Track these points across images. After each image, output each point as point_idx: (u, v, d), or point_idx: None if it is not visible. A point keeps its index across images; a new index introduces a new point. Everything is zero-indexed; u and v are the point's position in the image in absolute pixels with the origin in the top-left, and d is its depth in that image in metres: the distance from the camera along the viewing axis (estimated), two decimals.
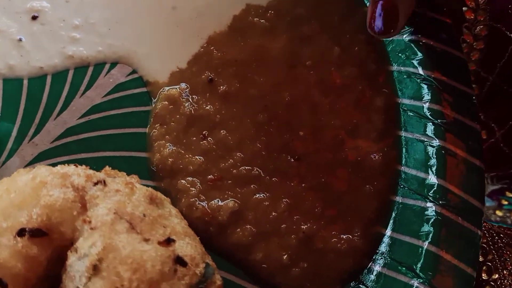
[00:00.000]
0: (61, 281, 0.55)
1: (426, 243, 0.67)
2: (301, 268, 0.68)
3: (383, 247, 0.70)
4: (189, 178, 0.71)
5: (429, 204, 0.69)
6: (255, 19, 0.78)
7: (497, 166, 0.81)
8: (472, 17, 0.79)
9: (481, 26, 0.79)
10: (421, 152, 0.72)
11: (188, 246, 0.56)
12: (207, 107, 0.74)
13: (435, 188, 0.70)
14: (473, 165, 0.70)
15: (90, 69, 0.75)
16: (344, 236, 0.70)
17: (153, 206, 0.58)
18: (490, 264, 0.75)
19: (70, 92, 0.74)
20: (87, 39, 0.76)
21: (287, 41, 0.77)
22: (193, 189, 0.70)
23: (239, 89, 0.75)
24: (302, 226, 0.69)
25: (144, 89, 0.75)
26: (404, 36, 0.76)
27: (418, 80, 0.75)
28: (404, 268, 0.67)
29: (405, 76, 0.76)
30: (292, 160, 0.72)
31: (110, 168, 0.62)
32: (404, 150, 0.74)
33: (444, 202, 0.69)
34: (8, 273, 0.52)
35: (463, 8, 0.80)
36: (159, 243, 0.53)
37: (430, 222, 0.68)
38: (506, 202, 0.81)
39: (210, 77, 0.75)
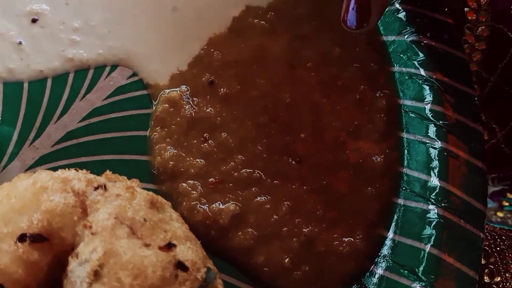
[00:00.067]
0: (62, 286, 0.54)
1: (428, 246, 0.67)
2: (302, 271, 0.68)
3: (385, 250, 0.70)
4: (190, 181, 0.70)
5: (431, 207, 0.69)
6: (255, 20, 0.78)
7: (498, 167, 0.81)
8: (474, 17, 0.79)
9: (483, 27, 0.79)
10: (423, 154, 0.72)
11: (189, 250, 0.55)
12: (207, 110, 0.73)
13: (437, 191, 0.70)
14: (475, 167, 0.70)
15: (91, 72, 0.75)
16: (345, 239, 0.70)
17: (154, 211, 0.57)
18: (492, 267, 0.74)
19: (71, 95, 0.74)
20: (87, 41, 0.76)
21: (287, 42, 0.77)
22: (194, 192, 0.70)
23: (240, 91, 0.75)
24: (304, 229, 0.69)
25: (144, 92, 0.75)
26: (406, 37, 0.76)
27: (420, 81, 0.74)
28: (406, 271, 0.67)
29: (406, 77, 0.76)
30: (293, 162, 0.72)
31: (111, 172, 0.62)
32: (406, 151, 0.74)
33: (446, 204, 0.69)
34: (9, 278, 0.52)
35: (465, 8, 0.80)
36: (160, 248, 0.53)
37: (432, 224, 0.68)
38: (507, 204, 0.81)
39: (210, 79, 0.75)
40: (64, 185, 0.56)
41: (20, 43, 0.74)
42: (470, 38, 0.80)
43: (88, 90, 0.74)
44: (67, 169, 0.59)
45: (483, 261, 0.75)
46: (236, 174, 0.71)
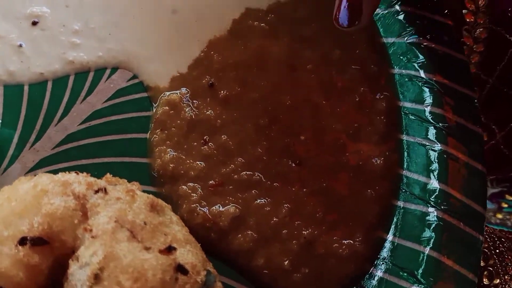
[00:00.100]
0: None
1: (428, 248, 0.67)
2: (302, 274, 0.68)
3: (384, 252, 0.70)
4: (190, 184, 0.71)
5: (430, 209, 0.69)
6: (255, 22, 0.78)
7: (497, 168, 0.81)
8: (472, 19, 0.79)
9: (481, 29, 0.79)
10: (423, 156, 0.72)
11: (189, 253, 0.56)
12: (207, 112, 0.74)
13: (436, 193, 0.70)
14: (475, 170, 0.70)
15: (91, 75, 0.75)
16: (345, 241, 0.70)
17: (154, 214, 0.57)
18: (491, 269, 0.75)
19: (71, 98, 0.74)
20: (87, 44, 0.76)
21: (287, 45, 0.77)
22: (194, 194, 0.70)
23: (240, 93, 0.75)
24: (304, 232, 0.69)
25: (144, 94, 0.75)
26: (406, 39, 0.76)
27: (420, 83, 0.74)
28: (405, 274, 0.67)
29: (406, 79, 0.76)
30: (293, 164, 0.72)
31: (111, 175, 0.62)
32: (405, 154, 0.74)
33: (445, 207, 0.69)
34: (9, 282, 0.52)
35: (463, 11, 0.80)
36: (160, 251, 0.53)
37: (432, 227, 0.68)
38: (506, 205, 0.81)
39: (210, 82, 0.75)
40: (64, 189, 0.56)
41: (20, 45, 0.74)
42: (468, 40, 0.80)
43: (89, 93, 0.74)
44: (67, 172, 0.59)
45: (482, 263, 0.76)
46: (236, 176, 0.71)
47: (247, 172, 0.71)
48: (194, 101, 0.74)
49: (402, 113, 0.75)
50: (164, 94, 0.75)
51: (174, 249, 0.54)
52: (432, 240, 0.68)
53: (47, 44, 0.75)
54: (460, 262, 0.66)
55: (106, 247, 0.52)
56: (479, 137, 0.71)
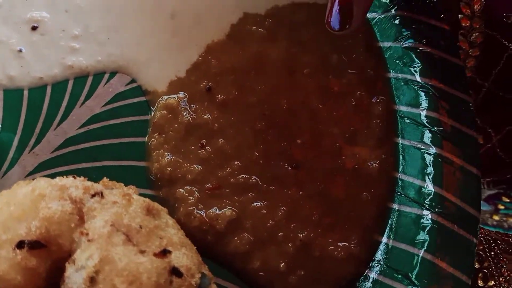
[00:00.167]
0: None
1: (422, 251, 0.68)
2: (298, 276, 0.69)
3: (379, 255, 0.71)
4: (188, 187, 0.71)
5: (425, 212, 0.70)
6: (253, 27, 0.78)
7: (493, 171, 0.81)
8: (467, 24, 0.80)
9: (477, 34, 0.80)
10: (418, 160, 0.73)
11: (184, 256, 0.56)
12: (205, 116, 0.74)
13: (431, 196, 0.70)
14: (469, 173, 0.71)
15: (90, 79, 0.76)
16: (341, 244, 0.70)
17: (150, 217, 0.58)
18: (486, 271, 0.75)
19: (70, 102, 0.74)
20: (86, 48, 0.77)
21: (285, 49, 0.78)
22: (191, 198, 0.71)
23: (237, 97, 0.76)
24: (299, 234, 0.70)
25: (143, 98, 0.76)
26: (402, 43, 0.77)
27: (416, 87, 0.75)
28: (400, 276, 0.68)
29: (402, 83, 0.76)
30: (290, 168, 0.73)
31: (110, 178, 0.63)
32: (401, 157, 0.74)
33: (440, 210, 0.69)
34: (7, 285, 0.53)
35: (459, 15, 0.80)
36: (155, 254, 0.54)
37: (426, 230, 0.69)
38: (502, 207, 0.82)
39: (208, 86, 0.76)
40: (61, 193, 0.57)
41: (20, 50, 0.75)
42: (464, 44, 0.80)
43: (88, 97, 0.75)
44: (65, 176, 0.60)
45: (477, 265, 0.76)
46: (232, 179, 0.72)
47: (244, 176, 0.72)
48: (192, 105, 0.75)
49: (398, 117, 0.76)
50: (162, 98, 0.75)
51: (169, 252, 0.55)
52: (426, 243, 0.68)
53: (47, 48, 0.76)
54: (454, 264, 0.67)
55: (102, 250, 0.53)
56: (474, 141, 0.72)
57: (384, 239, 0.71)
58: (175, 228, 0.61)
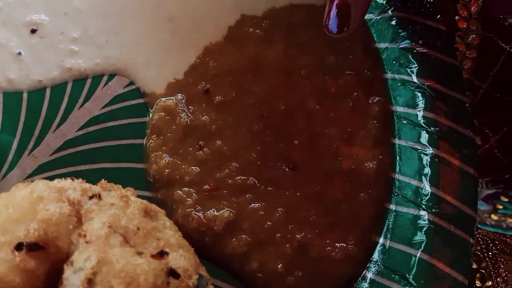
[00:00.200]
0: None
1: (419, 251, 0.68)
2: (296, 277, 0.69)
3: (376, 255, 0.71)
4: (185, 189, 0.72)
5: (422, 213, 0.70)
6: (250, 29, 0.79)
7: (491, 172, 0.81)
8: (464, 26, 0.80)
9: (474, 35, 0.80)
10: (415, 160, 0.73)
11: (181, 258, 0.57)
12: (203, 118, 0.75)
13: (428, 197, 0.71)
14: (466, 174, 0.71)
15: (88, 81, 0.76)
16: (338, 245, 0.71)
17: (147, 219, 0.59)
18: (483, 271, 0.75)
19: (69, 104, 0.75)
20: (85, 51, 0.77)
21: (282, 50, 0.78)
22: (189, 199, 0.71)
23: (235, 99, 0.76)
24: (297, 235, 0.70)
25: (141, 100, 0.76)
26: (398, 44, 0.77)
27: (412, 88, 0.75)
28: (397, 276, 0.68)
29: (399, 83, 0.77)
30: (287, 169, 0.73)
31: (108, 180, 0.64)
32: (398, 158, 0.75)
33: (437, 210, 0.69)
34: (6, 287, 0.53)
35: (456, 17, 0.80)
36: (152, 256, 0.54)
37: (423, 230, 0.69)
38: (501, 206, 0.82)
39: (206, 88, 0.76)
40: (60, 195, 0.57)
41: (19, 53, 0.76)
42: (461, 46, 0.81)
43: (86, 99, 0.75)
44: (63, 178, 0.61)
45: (474, 266, 0.76)
46: (230, 181, 0.72)
47: (242, 177, 0.72)
48: (190, 106, 0.75)
49: (395, 118, 0.76)
50: (160, 100, 0.76)
51: (166, 253, 0.56)
52: (423, 243, 0.69)
53: (46, 51, 0.76)
54: (451, 264, 0.67)
55: (99, 252, 0.53)
56: (470, 142, 0.72)
57: (381, 240, 0.71)
58: (173, 229, 0.61)
